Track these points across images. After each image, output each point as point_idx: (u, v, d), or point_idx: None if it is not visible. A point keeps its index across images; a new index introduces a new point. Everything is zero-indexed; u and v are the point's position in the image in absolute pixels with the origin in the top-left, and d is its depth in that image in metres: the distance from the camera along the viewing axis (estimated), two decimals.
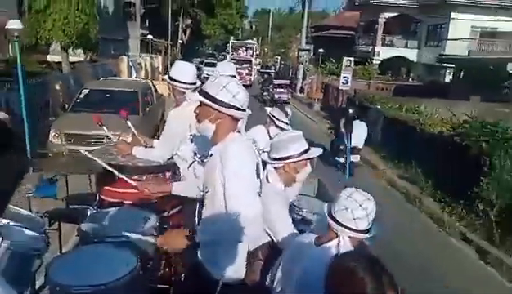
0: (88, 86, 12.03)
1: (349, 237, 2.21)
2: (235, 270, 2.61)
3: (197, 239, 2.42)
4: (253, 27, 63.75)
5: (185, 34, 34.44)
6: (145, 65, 23.18)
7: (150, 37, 28.30)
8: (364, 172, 10.59)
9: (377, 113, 13.85)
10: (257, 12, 71.89)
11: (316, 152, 2.97)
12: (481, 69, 21.48)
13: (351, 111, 9.87)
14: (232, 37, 45.53)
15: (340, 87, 19.77)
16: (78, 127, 8.95)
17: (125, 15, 29.43)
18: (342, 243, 2.25)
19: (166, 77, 3.79)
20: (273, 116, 4.34)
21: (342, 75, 20.09)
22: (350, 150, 9.81)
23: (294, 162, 2.86)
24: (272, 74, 29.37)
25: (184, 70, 3.91)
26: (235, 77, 4.08)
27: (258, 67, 41.55)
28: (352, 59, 21.13)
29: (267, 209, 2.60)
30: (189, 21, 34.59)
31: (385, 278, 1.48)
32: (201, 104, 2.53)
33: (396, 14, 30.80)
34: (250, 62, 36.66)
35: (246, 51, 39.60)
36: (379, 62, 30.45)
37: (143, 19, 33.70)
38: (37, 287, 2.80)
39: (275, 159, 2.88)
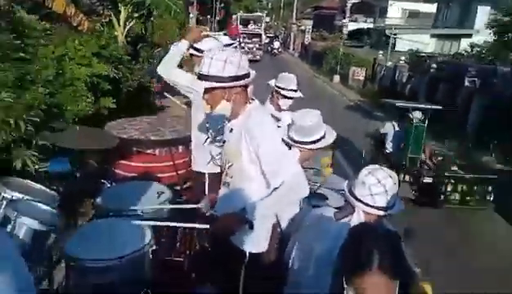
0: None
1: (365, 212, 2.09)
2: (261, 242, 2.43)
3: (250, 218, 2.24)
4: (269, 4, 67.61)
5: (220, 13, 40.53)
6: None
7: (208, 16, 34.86)
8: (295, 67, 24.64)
9: (313, 49, 30.64)
10: None
11: (331, 138, 2.79)
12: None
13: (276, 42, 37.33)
14: (241, 12, 40.34)
15: (305, 42, 36.88)
16: None
17: (187, 1, 35.72)
18: (356, 218, 2.13)
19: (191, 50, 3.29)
20: (280, 87, 3.74)
21: (305, 36, 37.76)
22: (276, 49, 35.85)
23: (315, 148, 2.72)
24: (273, 38, 40.90)
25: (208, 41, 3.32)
26: (231, 45, 3.54)
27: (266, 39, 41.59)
28: (310, 27, 40.29)
29: None
30: (222, 4, 41.65)
31: (380, 258, 1.37)
32: (207, 90, 2.26)
33: (359, 0, 41.41)
34: (260, 36, 32.59)
35: (255, 24, 35.53)
36: (347, 32, 40.71)
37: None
38: (52, 261, 2.72)
39: (301, 142, 2.71)
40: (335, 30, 40.85)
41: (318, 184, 3.14)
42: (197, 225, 2.68)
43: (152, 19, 9.28)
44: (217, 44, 3.20)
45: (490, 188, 7.10)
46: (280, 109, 3.72)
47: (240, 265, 2.37)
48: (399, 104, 7.97)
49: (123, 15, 8.16)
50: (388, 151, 7.65)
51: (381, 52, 20.60)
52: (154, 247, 2.48)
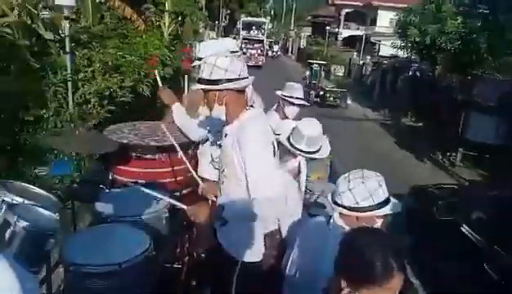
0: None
1: (340, 214, 2.07)
2: (254, 251, 2.40)
3: (224, 215, 2.22)
4: (272, 12, 68.87)
5: (225, 19, 44.44)
6: (211, 35, 32.81)
7: (217, 22, 37.32)
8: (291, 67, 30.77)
9: (307, 52, 31.82)
10: None
11: (327, 149, 2.84)
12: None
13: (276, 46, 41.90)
14: (243, 15, 40.38)
15: (301, 46, 41.41)
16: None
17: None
18: (331, 221, 2.12)
19: (196, 62, 3.23)
20: (286, 97, 3.77)
21: (301, 41, 44.16)
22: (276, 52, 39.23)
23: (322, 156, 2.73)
24: (273, 42, 44.37)
25: (212, 47, 3.33)
26: (235, 52, 3.39)
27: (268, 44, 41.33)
28: (305, 33, 46.45)
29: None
30: (228, 11, 46.35)
31: (394, 258, 1.36)
32: (204, 92, 2.32)
33: (352, 10, 46.83)
34: (262, 42, 31.37)
35: (258, 29, 34.50)
36: (341, 38, 46.21)
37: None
38: (51, 266, 2.71)
39: (307, 152, 2.73)
40: (330, 36, 44.44)
41: (317, 194, 3.16)
42: (175, 203, 2.64)
43: (185, 24, 13.86)
44: (217, 50, 3.19)
45: (346, 95, 17.64)
46: (286, 117, 3.75)
47: (232, 273, 2.40)
48: (308, 61, 21.24)
49: (167, 21, 12.31)
50: (307, 82, 17.68)
51: (355, 53, 28.78)
52: (153, 253, 2.40)
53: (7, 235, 2.35)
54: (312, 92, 16.96)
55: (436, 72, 15.06)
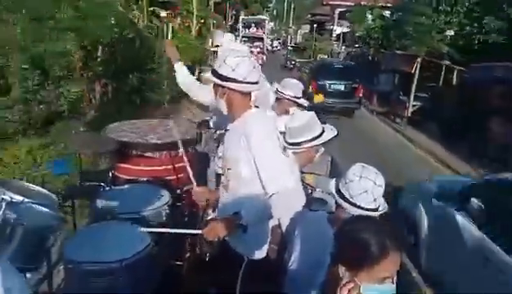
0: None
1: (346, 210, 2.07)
2: (260, 247, 2.37)
3: (244, 222, 2.11)
4: (275, 11, 71.03)
5: (231, 19, 46.85)
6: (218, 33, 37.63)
7: (224, 22, 34.47)
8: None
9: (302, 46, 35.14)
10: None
11: (329, 135, 2.71)
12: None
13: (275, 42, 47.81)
14: (243, 13, 39.38)
15: (296, 41, 43.23)
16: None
17: None
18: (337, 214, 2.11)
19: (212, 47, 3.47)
20: (292, 97, 3.60)
21: (298, 36, 48.22)
22: (275, 47, 42.16)
23: (311, 146, 2.66)
24: (273, 39, 48.86)
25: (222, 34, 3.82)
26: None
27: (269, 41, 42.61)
28: (301, 31, 50.26)
29: None
30: (234, 12, 48.10)
31: (389, 238, 1.38)
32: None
33: (344, 9, 47.48)
34: (262, 39, 31.39)
35: (257, 27, 34.35)
36: (335, 34, 48.75)
37: None
38: (51, 263, 2.66)
39: (293, 144, 2.67)
40: (326, 33, 51.42)
41: (318, 189, 3.13)
42: (190, 231, 2.49)
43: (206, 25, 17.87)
44: (230, 39, 3.57)
45: (309, 64, 22.17)
46: (285, 113, 3.68)
47: (237, 270, 2.36)
48: (287, 45, 40.63)
49: (194, 23, 16.85)
50: (286, 57, 29.84)
51: (335, 44, 35.83)
52: (153, 250, 2.33)
53: (7, 233, 2.31)
54: (288, 62, 27.40)
55: (371, 54, 22.85)
